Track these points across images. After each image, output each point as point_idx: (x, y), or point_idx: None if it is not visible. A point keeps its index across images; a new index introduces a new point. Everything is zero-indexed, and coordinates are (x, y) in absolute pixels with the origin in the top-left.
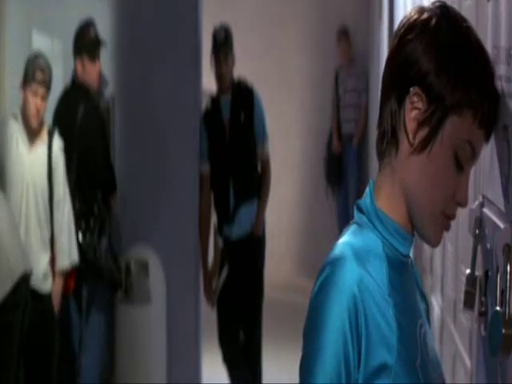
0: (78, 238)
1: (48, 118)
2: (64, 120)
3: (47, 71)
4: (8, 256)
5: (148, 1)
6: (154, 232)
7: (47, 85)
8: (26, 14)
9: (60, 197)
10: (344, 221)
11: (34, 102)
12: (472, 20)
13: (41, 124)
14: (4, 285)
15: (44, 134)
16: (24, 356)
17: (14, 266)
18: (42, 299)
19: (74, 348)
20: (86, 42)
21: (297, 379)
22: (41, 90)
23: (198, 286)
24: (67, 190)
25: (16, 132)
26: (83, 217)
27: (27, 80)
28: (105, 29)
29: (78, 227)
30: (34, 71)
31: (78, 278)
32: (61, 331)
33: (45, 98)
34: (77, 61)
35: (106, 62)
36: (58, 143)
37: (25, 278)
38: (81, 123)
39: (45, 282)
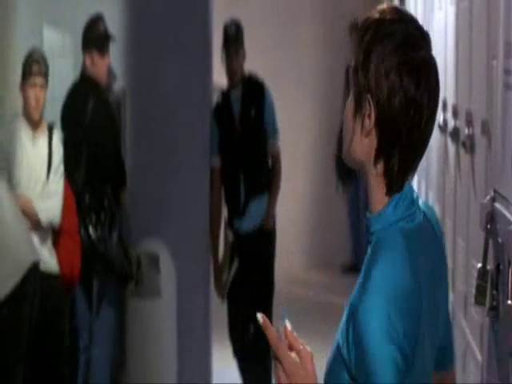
0: (88, 232)
1: (56, 112)
2: (74, 114)
3: (42, 62)
4: (17, 247)
5: None
6: (164, 226)
7: (44, 75)
8: (37, 9)
9: (54, 187)
10: (354, 215)
11: (33, 94)
12: (484, 16)
13: (41, 116)
14: (14, 276)
15: (44, 127)
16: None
17: (23, 257)
18: (51, 278)
19: (82, 340)
20: (95, 37)
21: None
22: (38, 80)
23: (208, 280)
24: (62, 181)
25: (20, 128)
26: (93, 211)
27: (25, 76)
28: (114, 23)
29: (88, 221)
30: (30, 65)
31: (88, 271)
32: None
33: (43, 87)
34: (86, 55)
35: (116, 57)
36: (57, 135)
37: (33, 269)
38: (91, 117)
39: (51, 260)
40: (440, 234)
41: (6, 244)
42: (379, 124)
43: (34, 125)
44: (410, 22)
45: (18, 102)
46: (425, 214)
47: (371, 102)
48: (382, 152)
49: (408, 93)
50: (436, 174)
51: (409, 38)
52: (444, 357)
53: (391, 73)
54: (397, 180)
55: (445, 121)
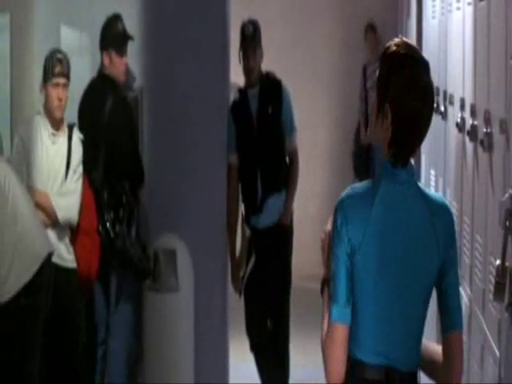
0: (106, 228)
1: (73, 111)
2: (92, 112)
3: (65, 62)
4: (33, 240)
5: None
6: (181, 222)
7: (66, 75)
8: (54, 9)
9: (72, 186)
10: None
11: (55, 94)
12: (501, 16)
13: (62, 115)
14: (31, 267)
15: (64, 126)
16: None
17: (39, 248)
18: (68, 273)
19: (99, 335)
20: (113, 36)
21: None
22: (61, 81)
23: (225, 275)
24: (80, 180)
25: (41, 126)
26: (112, 207)
27: (47, 77)
28: (132, 22)
29: (107, 218)
30: (53, 66)
31: (106, 267)
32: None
33: (66, 87)
34: (104, 54)
35: (133, 55)
36: (77, 134)
37: (48, 260)
38: (109, 116)
39: (69, 255)
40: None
41: (22, 238)
42: (393, 123)
43: (55, 124)
44: (416, 54)
45: (35, 100)
46: (430, 198)
47: (389, 110)
48: (393, 140)
49: (415, 106)
50: (454, 172)
51: (416, 69)
52: (451, 318)
53: (403, 92)
54: (401, 158)
55: (463, 120)
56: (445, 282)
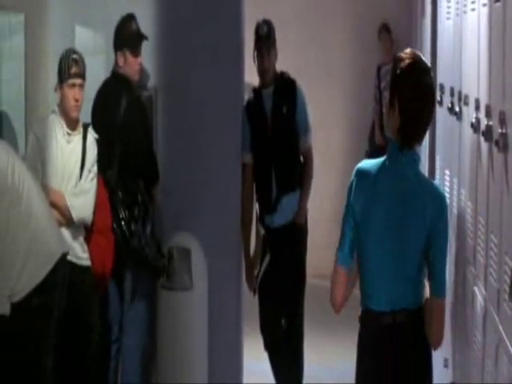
0: (121, 227)
1: (87, 110)
2: (106, 112)
3: (81, 63)
4: (48, 239)
5: None
6: (196, 220)
7: (82, 75)
8: (68, 9)
9: (87, 185)
10: None
11: (72, 94)
12: None
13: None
14: (44, 267)
15: (79, 126)
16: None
17: (54, 248)
18: (83, 271)
19: (112, 333)
20: (128, 36)
21: (338, 366)
22: (77, 81)
23: (239, 274)
24: (95, 180)
25: (55, 125)
26: (127, 206)
27: (63, 77)
28: (146, 23)
29: (122, 216)
30: (69, 66)
31: (121, 265)
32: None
33: (82, 87)
34: (118, 54)
35: (148, 55)
36: (92, 134)
37: (62, 260)
38: (124, 115)
39: (83, 254)
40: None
41: (36, 237)
42: (400, 115)
43: (71, 123)
44: (420, 61)
45: (50, 99)
46: (426, 183)
47: (397, 104)
48: (400, 128)
49: (417, 102)
50: (469, 172)
51: (421, 74)
52: (435, 285)
53: (408, 91)
54: (406, 144)
55: (478, 120)
56: (432, 252)
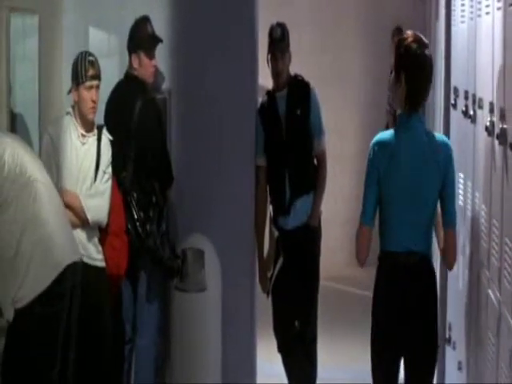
0: (137, 228)
1: (100, 111)
2: (121, 114)
3: (97, 64)
4: (54, 247)
5: None
6: (209, 222)
7: (99, 77)
8: (82, 11)
9: (102, 187)
10: None
11: (89, 96)
12: None
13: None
14: (49, 275)
15: (94, 128)
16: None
17: (59, 257)
18: (97, 272)
19: (125, 333)
20: (143, 39)
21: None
22: (94, 83)
23: (253, 275)
24: (110, 182)
25: (70, 127)
26: (142, 207)
27: (79, 80)
28: (161, 25)
29: (137, 217)
30: (86, 69)
31: (135, 266)
32: (113, 314)
33: (98, 88)
34: (133, 56)
35: (162, 58)
36: (106, 136)
37: (72, 269)
38: (139, 117)
39: (98, 255)
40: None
41: (40, 245)
42: (407, 86)
43: (86, 125)
44: (421, 39)
45: (63, 100)
46: (433, 136)
47: (403, 78)
48: (408, 97)
49: (422, 72)
50: (483, 175)
51: (422, 48)
52: (447, 218)
53: (415, 64)
54: (413, 108)
55: (492, 123)
56: (444, 192)
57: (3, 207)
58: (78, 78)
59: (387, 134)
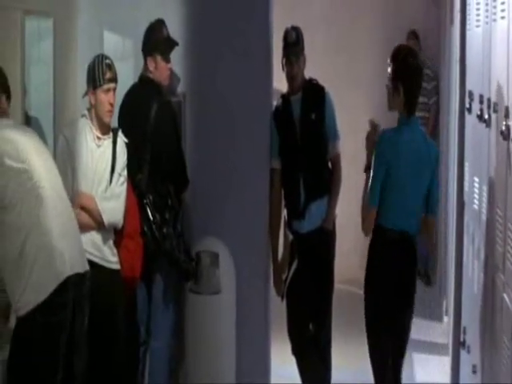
0: (152, 230)
1: (115, 114)
2: (136, 117)
3: (113, 67)
4: (54, 258)
5: (218, 0)
6: (224, 225)
7: (116, 80)
8: (97, 15)
9: (117, 190)
10: None
11: (107, 99)
12: None
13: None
14: (49, 285)
15: (109, 130)
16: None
17: (61, 267)
18: (112, 274)
19: (140, 335)
20: (159, 42)
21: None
22: (111, 86)
23: (267, 278)
24: (125, 185)
25: (86, 129)
26: (158, 209)
27: (97, 83)
28: (174, 27)
29: (153, 219)
30: (103, 72)
31: (150, 268)
32: (127, 315)
33: (115, 91)
34: (149, 59)
35: (176, 60)
36: (122, 138)
37: (74, 280)
38: (155, 119)
39: (113, 257)
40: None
41: (44, 249)
42: (405, 93)
43: (103, 128)
44: (413, 50)
45: (78, 102)
46: (426, 135)
47: (401, 87)
48: (406, 102)
49: (416, 81)
50: (498, 179)
51: (416, 60)
52: (429, 206)
53: (408, 76)
54: (411, 111)
55: (507, 127)
56: (431, 183)
57: (8, 208)
58: (95, 81)
59: (391, 131)
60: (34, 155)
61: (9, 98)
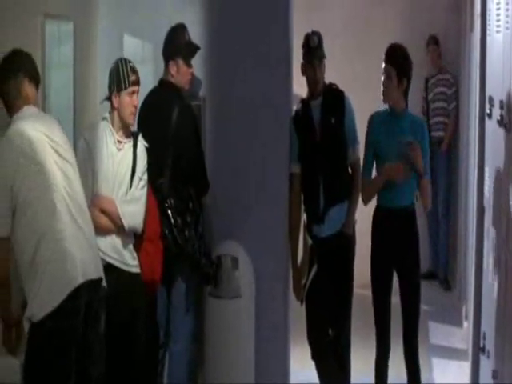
0: (174, 233)
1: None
2: (158, 120)
3: (137, 71)
4: (66, 262)
5: (238, 5)
6: (244, 229)
7: (139, 82)
8: (117, 19)
9: (137, 193)
10: (433, 221)
11: (131, 102)
12: None
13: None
14: (61, 292)
15: (129, 134)
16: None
17: (71, 274)
18: (132, 278)
19: (159, 337)
20: (182, 46)
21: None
22: (136, 88)
23: (286, 282)
24: (146, 188)
25: (106, 132)
26: (179, 213)
27: (122, 86)
28: (194, 31)
29: (174, 223)
30: (128, 75)
31: (169, 272)
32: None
33: (138, 93)
34: (171, 63)
35: (196, 64)
36: (142, 142)
37: (87, 286)
38: (176, 123)
39: (133, 261)
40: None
41: (57, 253)
42: (406, 88)
43: (124, 131)
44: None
45: (98, 105)
46: (413, 116)
47: (406, 81)
48: (405, 95)
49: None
50: None
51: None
52: (424, 170)
53: (411, 70)
54: (406, 102)
55: None
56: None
57: (24, 208)
58: (120, 84)
59: (379, 115)
60: (51, 156)
61: (37, 85)
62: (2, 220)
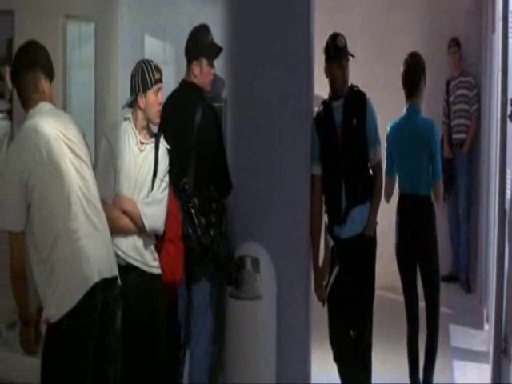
0: (197, 233)
1: None
2: (181, 121)
3: (160, 69)
4: (82, 262)
5: (259, 5)
6: (265, 230)
7: (162, 80)
8: (138, 19)
9: (159, 195)
10: (455, 223)
11: (157, 100)
12: None
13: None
14: (77, 291)
15: (151, 135)
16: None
17: (88, 273)
18: (153, 279)
19: (180, 337)
20: (205, 46)
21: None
22: (161, 86)
23: (308, 284)
24: (167, 190)
25: (129, 133)
26: (203, 213)
27: (148, 85)
28: (215, 33)
29: (198, 223)
30: (153, 73)
31: (192, 273)
32: (168, 319)
33: (162, 91)
34: (194, 64)
35: (218, 67)
36: (164, 144)
37: (102, 285)
38: (199, 124)
39: (154, 262)
40: (428, 130)
41: (73, 252)
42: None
43: (147, 132)
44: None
45: (119, 106)
46: (422, 119)
47: (425, 81)
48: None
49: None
50: None
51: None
52: (436, 171)
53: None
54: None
55: None
56: (430, 156)
57: (39, 204)
58: (145, 83)
59: (397, 122)
60: (66, 154)
61: (51, 80)
62: (17, 215)
